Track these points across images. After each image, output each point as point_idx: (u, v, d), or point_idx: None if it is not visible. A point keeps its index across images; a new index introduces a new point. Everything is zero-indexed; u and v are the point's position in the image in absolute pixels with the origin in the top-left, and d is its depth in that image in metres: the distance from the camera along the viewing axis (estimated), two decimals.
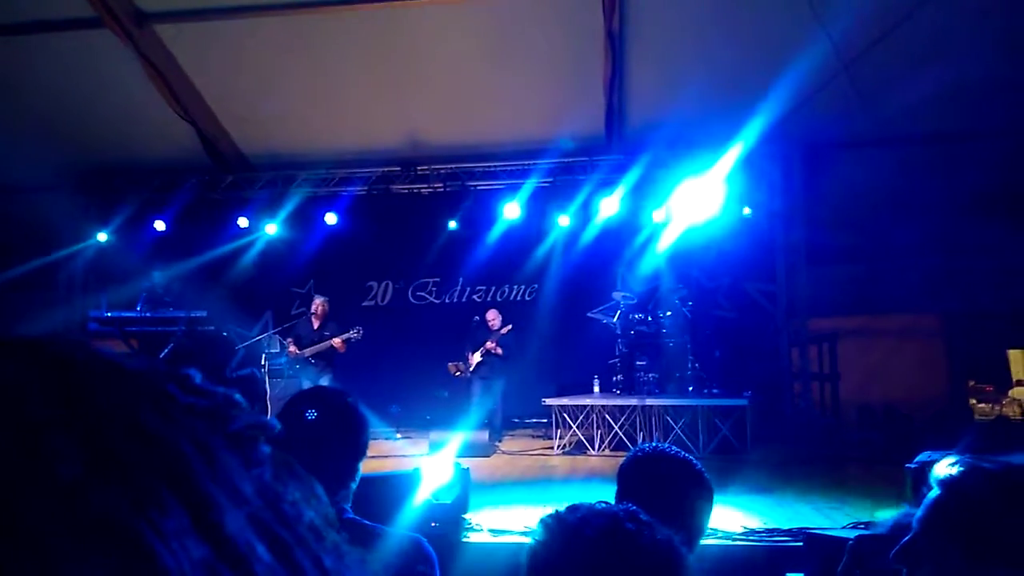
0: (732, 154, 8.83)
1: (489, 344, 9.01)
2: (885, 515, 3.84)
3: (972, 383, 10.18)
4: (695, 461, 1.92)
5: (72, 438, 0.28)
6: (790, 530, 4.41)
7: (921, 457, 4.30)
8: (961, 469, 1.36)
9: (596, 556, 0.98)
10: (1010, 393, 10.07)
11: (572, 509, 1.05)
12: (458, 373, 9.24)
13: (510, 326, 9.09)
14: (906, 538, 1.38)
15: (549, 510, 1.07)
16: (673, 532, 1.04)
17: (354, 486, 1.81)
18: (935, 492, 1.40)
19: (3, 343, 0.30)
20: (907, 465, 4.36)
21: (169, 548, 0.27)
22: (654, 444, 1.98)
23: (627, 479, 1.83)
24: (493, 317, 9.26)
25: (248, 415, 0.34)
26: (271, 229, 10.49)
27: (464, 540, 4.45)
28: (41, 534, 0.25)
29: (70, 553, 0.25)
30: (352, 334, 8.42)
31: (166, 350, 9.06)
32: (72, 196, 10.58)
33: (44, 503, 0.26)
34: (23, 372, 0.29)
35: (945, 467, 1.40)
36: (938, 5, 7.30)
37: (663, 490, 1.75)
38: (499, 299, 10.98)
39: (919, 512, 1.41)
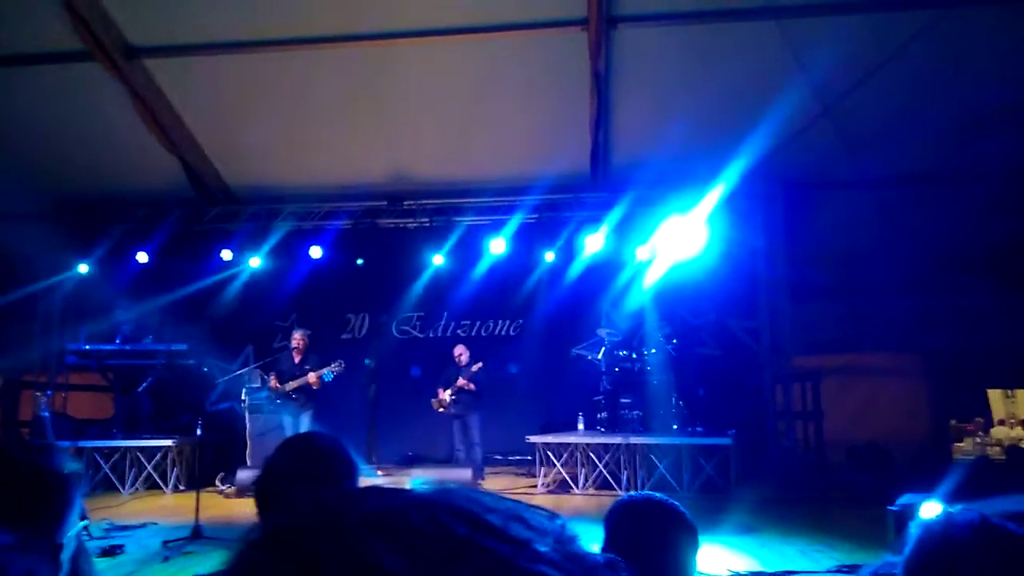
0: (715, 193, 8.94)
1: (461, 381, 8.94)
2: (870, 563, 3.83)
3: (954, 422, 10.22)
4: (681, 508, 1.93)
5: None
6: (775, 574, 4.38)
7: (903, 500, 4.31)
8: (940, 519, 1.37)
9: None
10: (991, 432, 10.12)
11: None
12: (442, 409, 9.15)
13: (480, 363, 8.99)
14: None
15: None
16: None
17: None
18: (916, 542, 1.39)
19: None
20: (889, 508, 4.37)
21: None
22: (640, 493, 1.98)
23: (614, 527, 1.83)
24: (460, 352, 9.19)
25: None
26: (255, 262, 10.39)
27: None
28: None
29: None
30: (334, 367, 8.33)
31: (145, 383, 8.94)
32: (54, 226, 10.47)
33: None
34: None
35: (926, 515, 1.40)
36: (916, 51, 7.49)
37: (650, 538, 1.75)
38: (484, 334, 10.92)
39: (901, 561, 1.41)
